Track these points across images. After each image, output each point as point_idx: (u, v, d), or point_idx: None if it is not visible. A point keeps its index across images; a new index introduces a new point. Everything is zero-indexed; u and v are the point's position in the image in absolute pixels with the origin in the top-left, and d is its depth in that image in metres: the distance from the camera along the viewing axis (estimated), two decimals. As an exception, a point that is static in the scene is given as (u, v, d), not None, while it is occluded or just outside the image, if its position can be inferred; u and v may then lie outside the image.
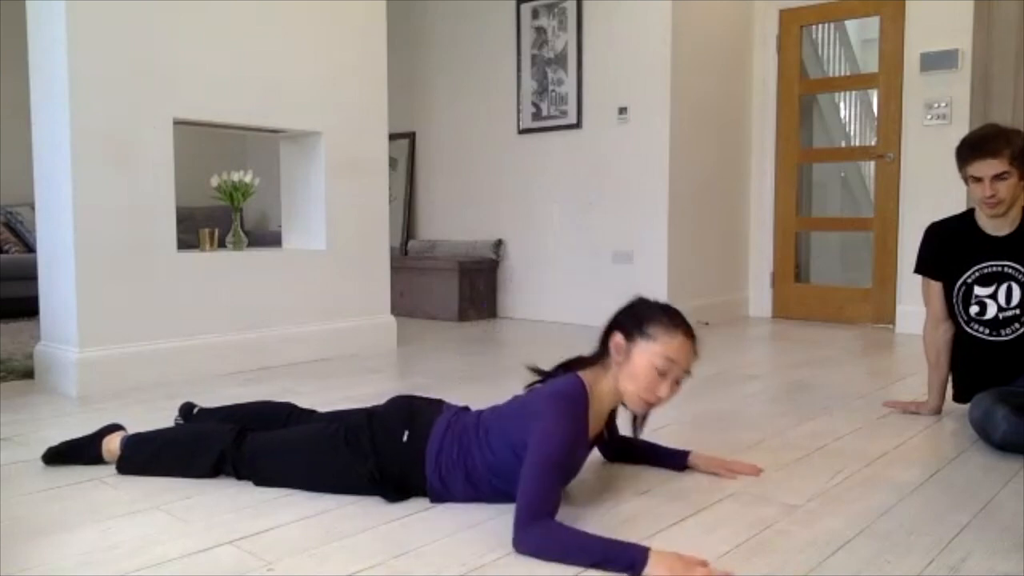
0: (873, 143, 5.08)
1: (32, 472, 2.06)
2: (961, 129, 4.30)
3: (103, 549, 1.59)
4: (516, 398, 1.84)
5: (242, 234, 3.71)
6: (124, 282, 3.10)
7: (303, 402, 2.29)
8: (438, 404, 1.92)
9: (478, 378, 3.38)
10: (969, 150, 2.41)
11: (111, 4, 3.02)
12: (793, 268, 5.34)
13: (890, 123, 4.79)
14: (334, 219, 3.85)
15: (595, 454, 2.01)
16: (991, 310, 2.48)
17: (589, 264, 5.06)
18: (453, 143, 5.78)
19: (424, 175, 6.00)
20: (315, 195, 3.85)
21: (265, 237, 5.71)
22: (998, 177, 2.35)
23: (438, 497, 1.80)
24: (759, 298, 5.43)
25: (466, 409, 1.92)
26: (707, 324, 4.90)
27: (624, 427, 2.00)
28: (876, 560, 1.53)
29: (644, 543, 1.49)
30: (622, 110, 4.85)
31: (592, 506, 1.81)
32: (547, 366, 1.89)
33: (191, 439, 2.08)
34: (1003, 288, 2.46)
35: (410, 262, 5.50)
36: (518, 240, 5.42)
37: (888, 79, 4.79)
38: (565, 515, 1.61)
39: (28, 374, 3.29)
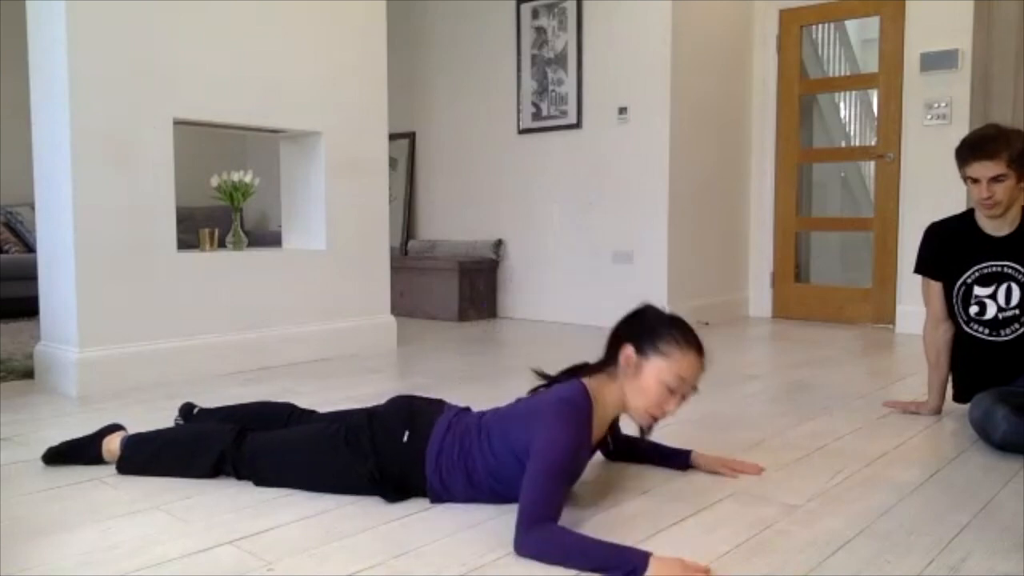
0: (873, 143, 5.08)
1: (32, 472, 2.06)
2: (961, 129, 4.30)
3: (103, 549, 1.59)
4: (519, 401, 1.84)
5: (242, 234, 3.71)
6: (124, 282, 3.10)
7: (303, 402, 2.29)
8: (439, 404, 1.92)
9: (478, 378, 3.38)
10: (968, 151, 2.41)
11: (111, 4, 3.02)
12: (793, 268, 5.34)
13: (890, 123, 4.79)
14: (334, 219, 3.85)
15: (597, 453, 2.01)
16: (991, 310, 2.48)
17: (589, 264, 5.06)
18: (453, 143, 5.78)
19: (424, 175, 6.00)
20: (315, 195, 3.85)
21: (265, 237, 5.71)
22: (995, 179, 2.35)
23: (438, 497, 1.80)
24: (759, 298, 5.43)
25: (467, 410, 1.92)
26: (707, 324, 4.90)
27: (626, 427, 2.00)
28: (876, 560, 1.53)
29: (645, 543, 1.49)
30: (622, 110, 4.85)
31: (593, 506, 1.81)
32: (548, 366, 1.89)
33: (191, 439, 2.08)
34: (1003, 288, 2.46)
35: (410, 262, 5.50)
36: (518, 240, 5.42)
37: (888, 79, 4.79)
38: (566, 515, 1.61)
39: (28, 374, 3.29)
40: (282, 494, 1.88)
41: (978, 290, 2.50)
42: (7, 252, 5.43)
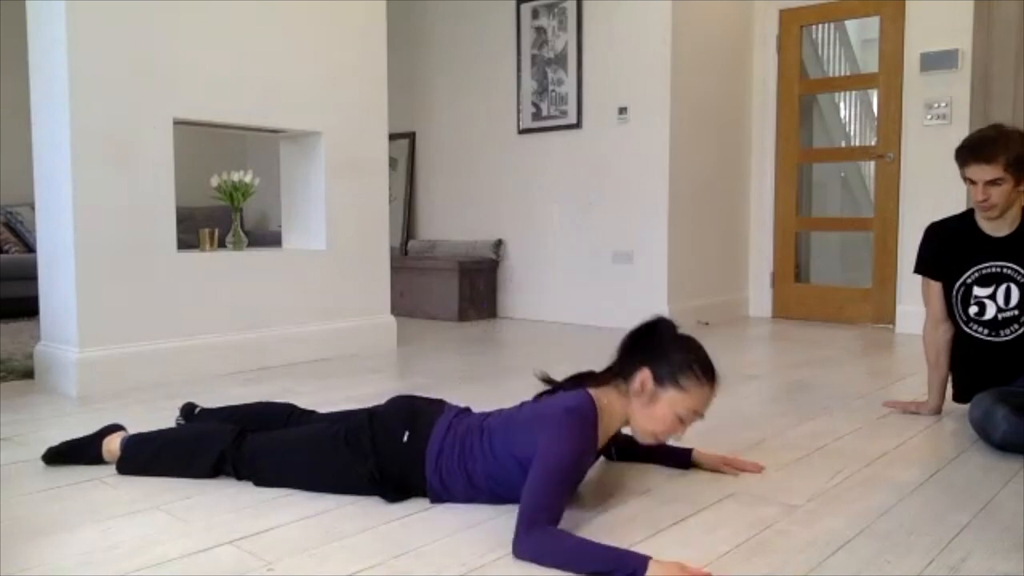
0: (873, 143, 5.08)
1: (32, 472, 2.06)
2: (961, 129, 4.30)
3: (103, 549, 1.59)
4: (524, 405, 1.83)
5: (242, 234, 3.71)
6: (124, 282, 3.10)
7: (303, 402, 2.30)
8: (439, 404, 1.92)
9: (478, 378, 3.38)
10: (967, 153, 2.40)
11: (111, 4, 3.02)
12: (793, 268, 5.34)
13: (890, 123, 4.79)
14: (334, 219, 3.85)
15: (595, 454, 2.02)
16: (990, 311, 2.48)
17: (589, 264, 5.06)
18: (453, 143, 5.78)
19: (424, 175, 6.00)
20: (315, 195, 3.85)
21: (265, 237, 5.71)
22: (991, 183, 2.35)
23: (438, 497, 1.80)
24: (759, 298, 5.43)
25: (467, 410, 1.92)
26: (707, 324, 4.90)
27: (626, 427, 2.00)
28: (876, 560, 1.53)
29: (645, 543, 1.49)
30: (622, 110, 4.85)
31: (593, 506, 1.81)
32: (548, 366, 1.89)
33: (191, 439, 2.08)
34: (1002, 289, 2.46)
35: (410, 262, 5.50)
36: (518, 240, 5.42)
37: (888, 79, 4.79)
38: (566, 515, 1.61)
39: (28, 374, 3.29)
40: (282, 494, 1.88)
41: (977, 290, 2.50)
42: (7, 252, 5.43)
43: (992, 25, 4.29)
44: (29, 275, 3.60)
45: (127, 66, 3.08)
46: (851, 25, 6.31)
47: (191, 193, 5.11)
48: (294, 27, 3.62)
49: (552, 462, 1.59)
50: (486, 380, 3.33)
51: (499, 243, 5.48)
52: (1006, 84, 4.25)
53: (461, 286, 5.22)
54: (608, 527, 1.68)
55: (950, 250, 2.56)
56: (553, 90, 5.17)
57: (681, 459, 2.07)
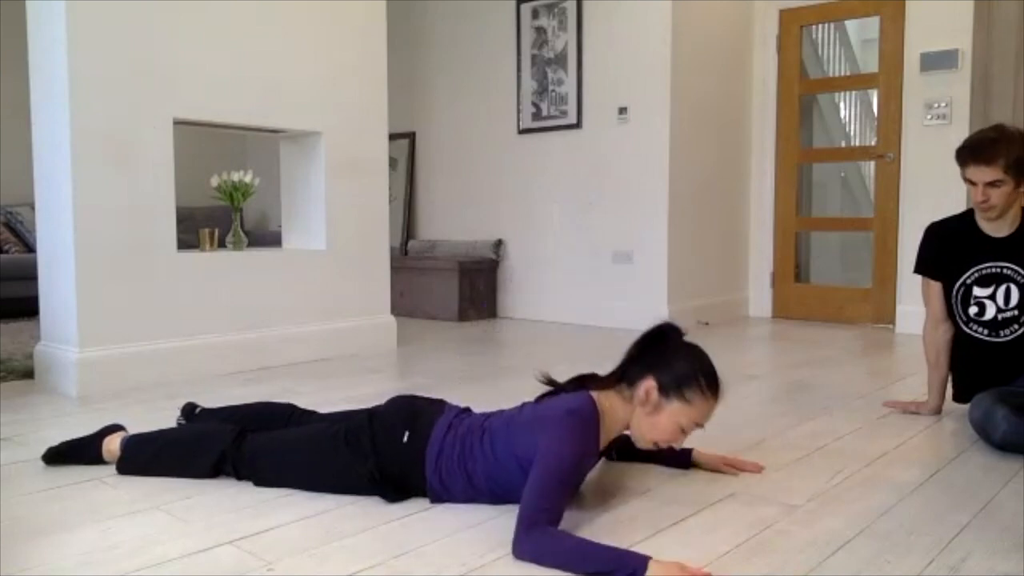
0: (873, 143, 5.08)
1: (32, 472, 2.07)
2: (961, 129, 4.31)
3: (103, 549, 1.59)
4: (525, 406, 1.83)
5: (242, 234, 3.71)
6: (124, 282, 3.10)
7: (303, 402, 2.30)
8: (439, 404, 1.92)
9: (478, 378, 3.38)
10: (967, 154, 2.40)
11: (111, 4, 3.02)
12: (793, 268, 5.34)
13: (890, 123, 4.79)
14: (334, 219, 3.85)
15: (595, 454, 2.02)
16: (990, 311, 2.48)
17: (589, 264, 5.06)
18: (453, 143, 5.78)
19: (424, 175, 6.00)
20: (315, 195, 3.85)
21: (265, 237, 5.71)
22: (991, 184, 2.35)
23: (438, 497, 1.80)
24: (759, 298, 5.43)
25: (467, 411, 1.92)
26: (707, 324, 4.90)
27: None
28: (876, 560, 1.53)
29: (645, 543, 1.49)
30: (622, 110, 4.85)
31: (593, 506, 1.81)
32: (547, 366, 1.89)
33: (192, 439, 2.08)
34: (1002, 289, 2.46)
35: (410, 262, 5.50)
36: (518, 240, 5.42)
37: (888, 79, 4.79)
38: (567, 515, 1.61)
39: (28, 374, 3.29)
40: (282, 494, 1.88)
41: (977, 291, 2.50)
42: (7, 252, 5.43)
43: (992, 25, 4.29)
44: (29, 275, 3.60)
45: (127, 66, 3.08)
46: (851, 25, 6.31)
47: (191, 193, 5.11)
48: (294, 27, 3.62)
49: (553, 463, 1.59)
50: (486, 380, 3.33)
51: (499, 243, 5.48)
52: (1006, 84, 4.25)
53: (461, 286, 5.22)
54: (608, 527, 1.68)
55: (950, 250, 2.55)
56: (553, 90, 5.17)
57: (681, 459, 2.06)
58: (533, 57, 5.26)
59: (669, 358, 1.76)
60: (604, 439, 1.77)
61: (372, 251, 4.04)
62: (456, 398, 2.04)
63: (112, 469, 2.04)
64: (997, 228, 2.48)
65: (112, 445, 2.07)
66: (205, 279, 3.37)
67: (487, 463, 1.74)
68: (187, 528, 1.69)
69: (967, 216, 2.57)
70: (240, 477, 1.96)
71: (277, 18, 3.55)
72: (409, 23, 5.88)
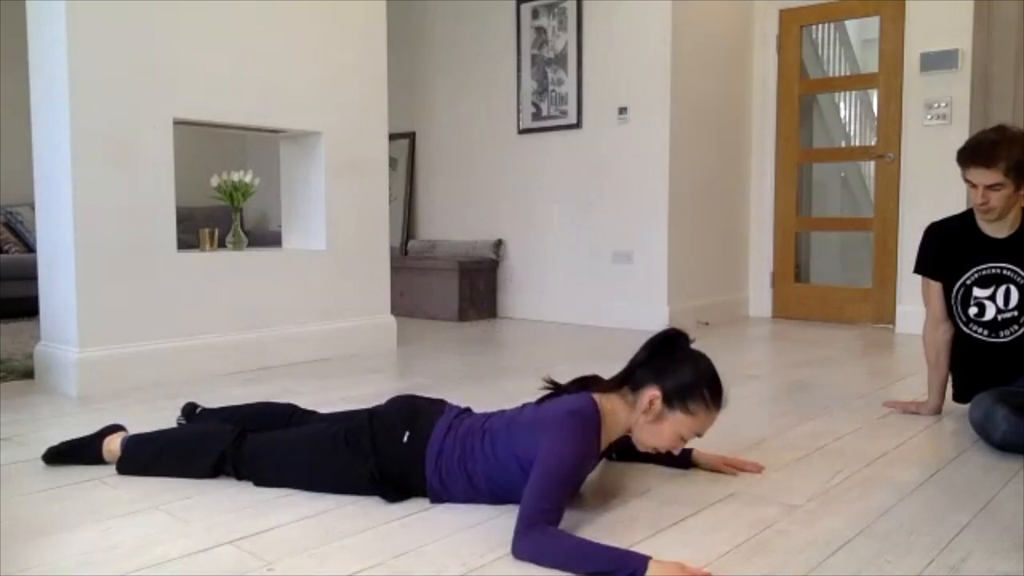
0: (873, 143, 5.08)
1: (32, 472, 2.07)
2: (961, 129, 4.31)
3: (103, 549, 1.59)
4: (526, 407, 1.83)
5: (242, 234, 3.71)
6: (124, 282, 3.10)
7: (303, 402, 2.30)
8: (440, 405, 1.92)
9: (478, 378, 3.38)
10: (968, 156, 2.40)
11: (111, 4, 3.02)
12: (793, 268, 5.34)
13: (890, 123, 4.79)
14: (334, 219, 3.85)
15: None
16: (990, 312, 2.48)
17: (589, 264, 5.06)
18: (453, 143, 5.78)
19: (424, 175, 6.00)
20: (315, 195, 3.85)
21: (265, 237, 5.71)
22: (991, 187, 2.35)
23: (438, 497, 1.80)
24: (759, 298, 5.43)
25: (468, 411, 1.92)
26: (707, 324, 4.90)
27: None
28: (876, 560, 1.53)
29: (645, 543, 1.49)
30: (622, 110, 4.85)
31: (593, 506, 1.81)
32: (547, 366, 1.90)
33: (192, 439, 2.08)
34: (1001, 290, 2.46)
35: (410, 262, 5.50)
36: (518, 240, 5.42)
37: (888, 79, 4.79)
38: (567, 516, 1.61)
39: (28, 374, 3.29)
40: (282, 494, 1.88)
41: (977, 291, 2.50)
42: (7, 252, 5.43)
43: (992, 25, 4.29)
44: (29, 275, 3.60)
45: (127, 66, 3.08)
46: (851, 25, 6.31)
47: (191, 193, 5.11)
48: (294, 27, 3.62)
49: (553, 464, 1.59)
50: (486, 380, 3.33)
51: (499, 243, 5.48)
52: (1006, 84, 4.25)
53: (461, 286, 5.22)
54: (608, 527, 1.68)
55: (950, 250, 2.55)
56: (553, 90, 5.17)
57: (681, 459, 2.06)
58: (533, 57, 5.27)
59: (676, 367, 1.76)
60: (605, 441, 1.77)
61: (372, 251, 4.04)
62: (456, 398, 2.04)
63: (112, 469, 2.04)
64: (997, 229, 2.47)
65: (112, 445, 2.07)
66: (205, 279, 3.37)
67: (488, 463, 1.74)
68: (187, 528, 1.69)
69: (967, 216, 2.57)
70: (240, 477, 1.96)
71: (277, 18, 3.55)
72: (409, 23, 5.89)
